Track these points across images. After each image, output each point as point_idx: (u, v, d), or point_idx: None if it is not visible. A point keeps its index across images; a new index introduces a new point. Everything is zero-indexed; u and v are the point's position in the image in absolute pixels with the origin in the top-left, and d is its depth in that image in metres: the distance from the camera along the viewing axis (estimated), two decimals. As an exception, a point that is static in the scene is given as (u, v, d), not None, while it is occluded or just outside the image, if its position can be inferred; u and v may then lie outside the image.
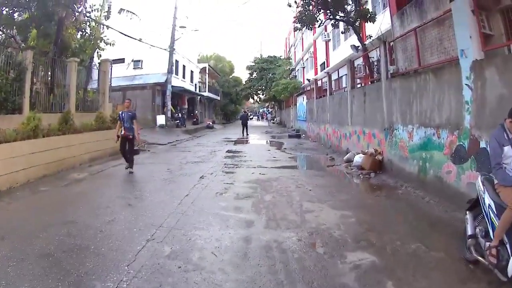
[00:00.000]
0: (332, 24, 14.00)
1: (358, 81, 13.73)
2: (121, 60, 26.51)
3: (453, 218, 5.06)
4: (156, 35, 22.89)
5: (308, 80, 26.11)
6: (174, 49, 24.79)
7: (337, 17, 12.09)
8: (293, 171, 9.82)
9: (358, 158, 9.68)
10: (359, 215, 5.46)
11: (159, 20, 24.25)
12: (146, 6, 22.94)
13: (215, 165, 10.70)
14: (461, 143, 5.56)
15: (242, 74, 52.63)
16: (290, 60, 42.00)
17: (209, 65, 41.43)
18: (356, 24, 12.06)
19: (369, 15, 11.43)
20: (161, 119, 23.71)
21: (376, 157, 9.08)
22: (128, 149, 9.09)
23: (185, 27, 24.70)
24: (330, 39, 23.28)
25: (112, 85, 23.72)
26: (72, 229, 4.63)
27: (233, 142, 19.61)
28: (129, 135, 8.94)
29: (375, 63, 11.61)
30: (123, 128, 8.95)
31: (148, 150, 14.55)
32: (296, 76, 37.01)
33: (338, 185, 7.90)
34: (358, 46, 13.16)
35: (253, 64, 44.04)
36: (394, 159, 8.31)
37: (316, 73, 26.26)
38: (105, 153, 11.66)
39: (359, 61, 14.40)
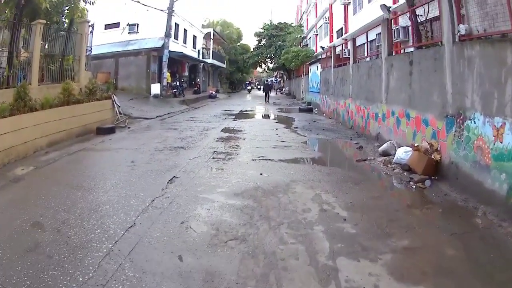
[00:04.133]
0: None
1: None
2: (116, 25, 23.13)
3: None
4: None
5: (322, 48, 22.73)
6: (173, 10, 20.95)
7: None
8: (310, 170, 6.74)
9: (403, 154, 6.61)
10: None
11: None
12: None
13: (199, 155, 7.66)
14: None
15: (250, 42, 48.33)
16: (302, 28, 37.86)
17: (214, 30, 37.13)
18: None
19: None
20: (155, 88, 20.22)
21: (432, 156, 6.04)
22: None
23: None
24: (350, 2, 20.18)
25: (105, 51, 20.55)
26: None
27: (234, 116, 16.11)
28: None
29: (424, 23, 8.25)
30: None
31: (128, 127, 11.36)
32: (307, 44, 33.19)
33: (385, 206, 4.88)
34: (389, 7, 9.84)
35: (262, 30, 39.65)
36: (462, 163, 5.26)
37: (331, 41, 22.71)
38: (70, 134, 8.98)
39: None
